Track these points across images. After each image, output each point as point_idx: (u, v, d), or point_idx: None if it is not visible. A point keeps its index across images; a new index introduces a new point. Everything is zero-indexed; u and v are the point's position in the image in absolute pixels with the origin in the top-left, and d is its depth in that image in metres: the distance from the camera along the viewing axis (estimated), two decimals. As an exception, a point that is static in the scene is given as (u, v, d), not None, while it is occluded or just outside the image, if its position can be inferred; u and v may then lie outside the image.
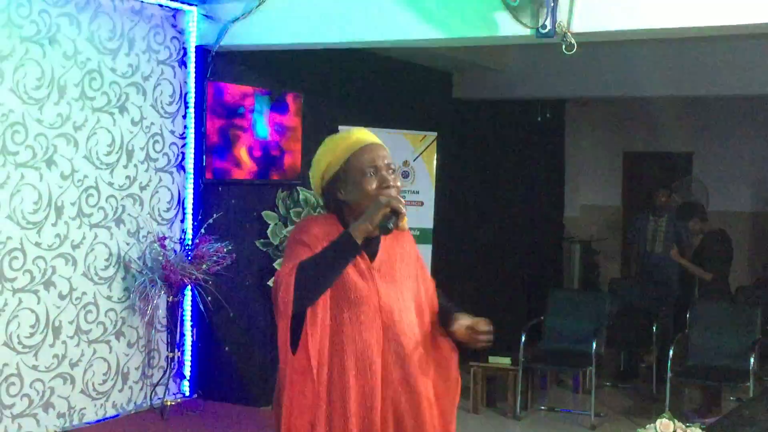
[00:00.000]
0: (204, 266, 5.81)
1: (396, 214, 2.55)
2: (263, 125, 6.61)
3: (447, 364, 2.84)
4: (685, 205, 7.99)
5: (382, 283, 2.68)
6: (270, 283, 6.42)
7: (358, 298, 2.61)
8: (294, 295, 2.47)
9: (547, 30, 4.91)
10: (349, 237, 2.53)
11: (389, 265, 2.73)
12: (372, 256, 2.71)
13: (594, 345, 7.03)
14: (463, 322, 2.78)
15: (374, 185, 2.62)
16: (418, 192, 7.42)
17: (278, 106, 6.72)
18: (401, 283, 2.74)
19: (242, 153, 6.48)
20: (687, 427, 4.38)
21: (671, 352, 6.82)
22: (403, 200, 2.60)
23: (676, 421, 4.38)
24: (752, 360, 6.64)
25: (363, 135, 2.72)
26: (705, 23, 4.77)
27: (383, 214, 2.53)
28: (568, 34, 4.93)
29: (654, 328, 7.88)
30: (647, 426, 4.42)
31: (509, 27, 5.09)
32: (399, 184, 2.69)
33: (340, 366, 2.61)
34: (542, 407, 7.48)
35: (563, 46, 4.99)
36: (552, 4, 4.87)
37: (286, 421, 2.59)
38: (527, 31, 5.04)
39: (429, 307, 2.84)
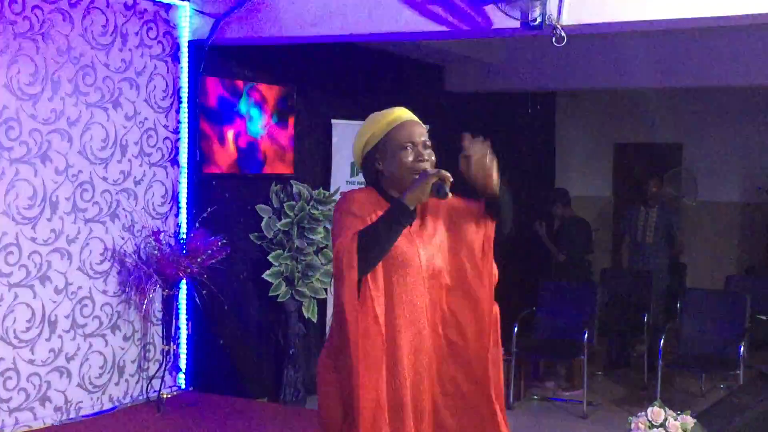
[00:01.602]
0: (199, 260, 5.81)
1: (444, 181, 2.74)
2: (256, 119, 6.61)
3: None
4: (552, 191, 8.32)
5: (422, 245, 2.86)
6: (265, 276, 6.44)
7: (404, 260, 2.80)
8: (358, 262, 2.66)
9: (536, 23, 4.93)
10: (403, 205, 2.72)
11: (426, 228, 2.91)
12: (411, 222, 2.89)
13: (585, 335, 7.05)
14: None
15: (411, 158, 2.83)
16: (410, 184, 7.43)
17: (271, 101, 6.72)
18: (437, 243, 2.92)
19: (235, 147, 6.48)
20: (678, 414, 4.41)
21: (662, 342, 6.85)
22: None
23: (666, 408, 4.41)
24: (742, 348, 6.68)
25: (403, 112, 2.92)
26: (693, 14, 4.79)
27: (434, 183, 2.72)
28: (558, 26, 4.95)
29: (645, 317, 7.92)
30: (638, 414, 4.45)
31: (499, 20, 5.10)
32: (433, 158, 2.90)
33: (392, 325, 2.78)
34: (535, 396, 7.51)
35: (553, 39, 5.00)
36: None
37: (356, 381, 2.73)
38: (517, 24, 5.05)
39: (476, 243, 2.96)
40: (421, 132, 2.89)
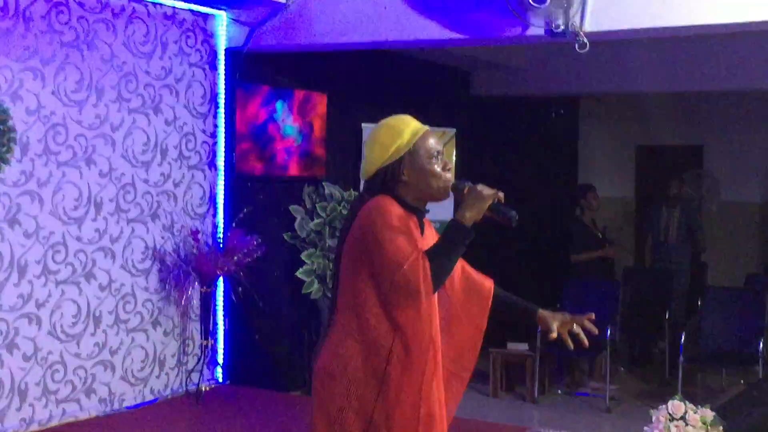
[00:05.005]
0: (235, 258, 5.90)
1: (501, 201, 2.72)
2: (289, 124, 6.68)
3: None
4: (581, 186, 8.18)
5: None
6: (298, 274, 6.50)
7: None
8: (432, 282, 2.61)
9: (560, 30, 4.95)
10: (464, 227, 2.67)
11: (428, 241, 2.85)
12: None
13: (608, 332, 7.05)
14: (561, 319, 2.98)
15: (440, 167, 2.78)
16: (438, 186, 7.46)
17: (304, 106, 6.79)
18: None
19: (270, 151, 6.55)
20: (697, 408, 4.42)
21: (683, 338, 6.84)
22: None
23: (687, 402, 4.42)
24: (761, 345, 6.65)
25: (417, 122, 2.83)
26: (713, 21, 4.80)
27: (492, 203, 2.70)
28: (581, 33, 4.97)
29: (666, 315, 7.90)
30: (659, 407, 4.47)
31: (524, 27, 5.13)
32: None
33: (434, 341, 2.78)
34: (559, 391, 7.52)
35: (576, 45, 5.02)
36: (565, 5, 4.91)
37: (405, 396, 2.68)
38: (541, 32, 5.08)
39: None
40: (439, 141, 2.84)
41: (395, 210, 2.70)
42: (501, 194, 2.72)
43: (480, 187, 2.73)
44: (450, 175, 2.79)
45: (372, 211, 2.69)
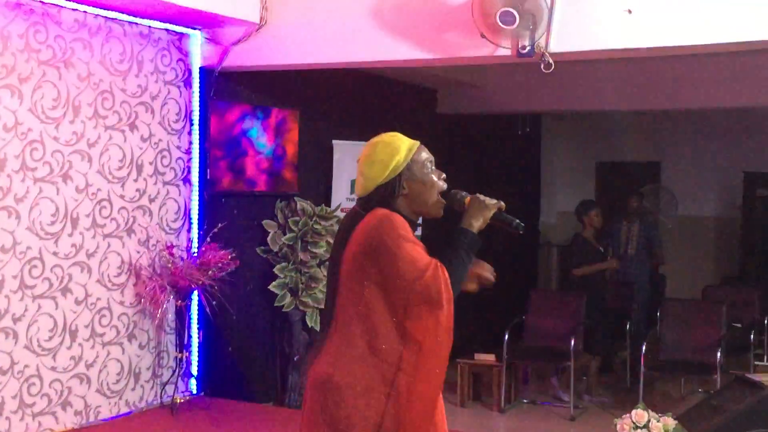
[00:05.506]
0: (209, 272, 5.88)
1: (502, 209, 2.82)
2: (262, 140, 6.69)
3: None
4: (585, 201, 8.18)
5: None
6: (271, 287, 6.50)
7: None
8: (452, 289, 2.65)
9: (526, 51, 5.02)
10: (474, 235, 2.76)
11: None
12: None
13: (572, 341, 7.12)
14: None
15: (436, 176, 2.86)
16: (406, 201, 7.49)
17: (276, 123, 6.81)
18: None
19: (243, 166, 6.56)
20: (659, 416, 4.49)
21: (644, 348, 6.93)
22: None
23: (649, 411, 4.48)
24: (719, 354, 6.76)
25: (409, 138, 2.89)
26: (670, 43, 4.90)
27: (495, 212, 2.80)
28: (546, 54, 5.04)
29: (627, 325, 7.99)
30: (623, 416, 4.52)
31: (491, 47, 5.19)
32: None
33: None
34: (525, 400, 7.57)
35: (541, 66, 5.09)
36: (531, 26, 4.98)
37: (418, 401, 2.69)
38: (508, 52, 5.14)
39: None
40: (430, 153, 2.91)
41: (401, 221, 2.71)
42: (503, 204, 2.82)
43: (482, 197, 2.83)
44: (444, 184, 2.86)
45: (381, 223, 2.68)
